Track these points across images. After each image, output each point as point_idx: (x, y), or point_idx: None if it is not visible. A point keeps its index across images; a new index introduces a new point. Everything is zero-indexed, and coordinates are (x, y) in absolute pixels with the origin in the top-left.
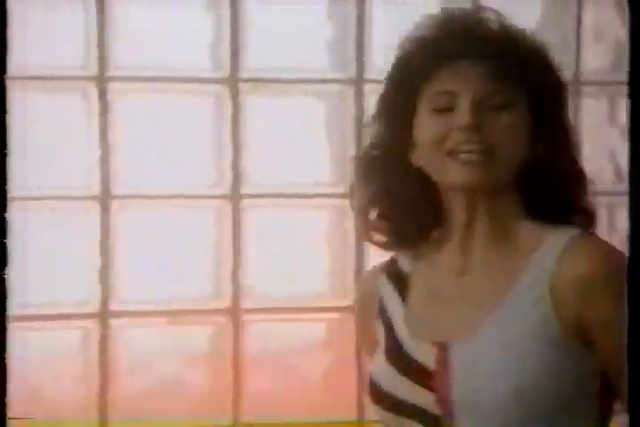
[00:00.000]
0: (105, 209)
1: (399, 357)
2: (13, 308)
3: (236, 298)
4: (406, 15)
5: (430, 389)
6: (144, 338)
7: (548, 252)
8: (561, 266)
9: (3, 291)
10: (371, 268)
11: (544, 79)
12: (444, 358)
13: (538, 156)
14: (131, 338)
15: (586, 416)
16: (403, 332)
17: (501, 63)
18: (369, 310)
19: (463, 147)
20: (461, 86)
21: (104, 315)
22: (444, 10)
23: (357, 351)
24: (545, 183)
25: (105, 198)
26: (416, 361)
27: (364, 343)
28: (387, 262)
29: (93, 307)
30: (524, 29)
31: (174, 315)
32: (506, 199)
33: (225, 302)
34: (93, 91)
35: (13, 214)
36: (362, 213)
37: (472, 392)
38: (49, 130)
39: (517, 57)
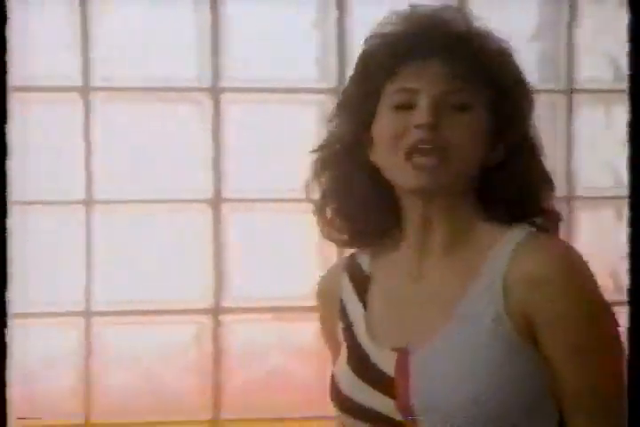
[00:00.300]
0: (217, 211)
1: (360, 362)
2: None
3: None
4: None
5: (390, 395)
6: (251, 333)
7: (502, 251)
8: (512, 264)
9: (3, 290)
10: (333, 265)
11: (506, 81)
12: (403, 365)
13: (498, 158)
14: (240, 333)
15: (546, 417)
16: (363, 336)
17: (464, 63)
18: (331, 310)
19: (420, 146)
20: (422, 84)
21: (216, 311)
22: (411, 7)
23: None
24: (505, 186)
25: (216, 202)
26: (377, 367)
27: (328, 342)
28: (348, 260)
29: (206, 303)
30: (490, 30)
31: (280, 311)
32: (463, 201)
33: None
34: (208, 102)
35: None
36: (318, 210)
37: (432, 399)
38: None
39: (480, 58)
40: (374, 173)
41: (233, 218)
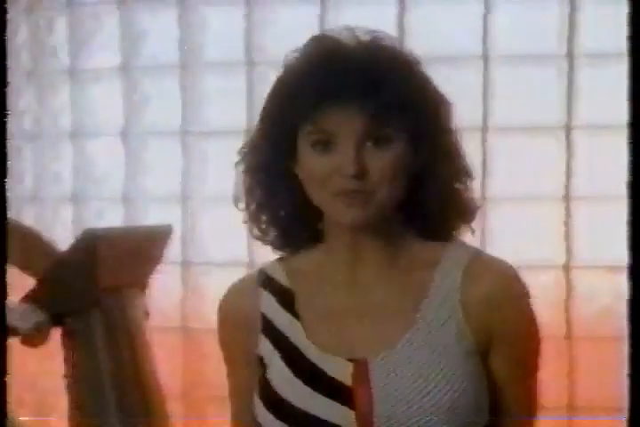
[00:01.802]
0: None
1: (309, 372)
2: None
3: None
4: None
5: (349, 406)
6: None
7: (452, 268)
8: (468, 282)
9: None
10: (236, 281)
11: (426, 106)
12: (362, 375)
13: (421, 178)
14: None
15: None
16: (307, 347)
17: (380, 100)
18: (246, 326)
19: (347, 192)
20: (340, 126)
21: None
22: (319, 38)
23: None
24: (427, 195)
25: None
26: (330, 377)
27: (233, 360)
28: (259, 276)
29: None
30: (398, 49)
31: None
32: (390, 220)
33: None
34: None
35: None
36: (251, 219)
37: (399, 408)
38: None
39: (397, 91)
40: (299, 187)
41: None
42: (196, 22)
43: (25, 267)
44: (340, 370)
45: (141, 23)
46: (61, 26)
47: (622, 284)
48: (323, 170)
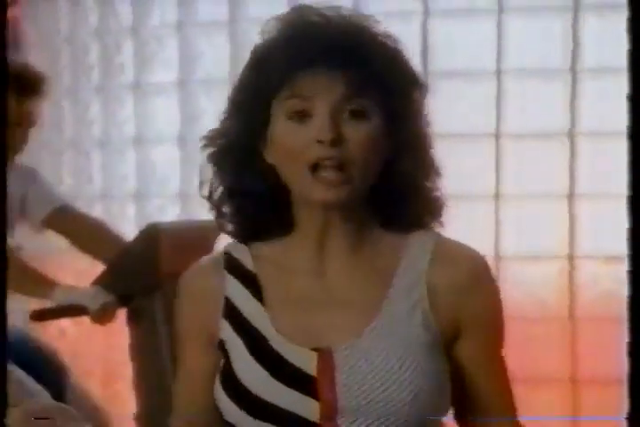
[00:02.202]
0: None
1: (272, 360)
2: None
3: None
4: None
5: (312, 396)
6: None
7: (418, 254)
8: (435, 268)
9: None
10: (201, 261)
11: (397, 81)
12: (326, 364)
13: (388, 168)
14: None
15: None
16: (271, 333)
17: (356, 69)
18: (207, 307)
19: (323, 162)
20: (317, 92)
21: None
22: (298, 9)
23: None
24: (396, 183)
25: None
26: (294, 366)
27: (191, 340)
28: (223, 258)
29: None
30: (378, 27)
31: None
32: (359, 207)
33: None
34: None
35: None
36: (215, 208)
37: (364, 398)
38: None
39: (372, 61)
40: (268, 172)
41: None
42: (244, 42)
43: (96, 255)
44: (305, 360)
45: (197, 44)
46: (128, 46)
47: (620, 271)
48: (298, 140)
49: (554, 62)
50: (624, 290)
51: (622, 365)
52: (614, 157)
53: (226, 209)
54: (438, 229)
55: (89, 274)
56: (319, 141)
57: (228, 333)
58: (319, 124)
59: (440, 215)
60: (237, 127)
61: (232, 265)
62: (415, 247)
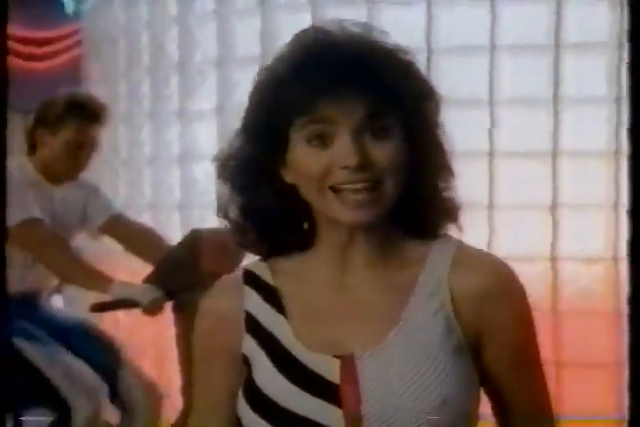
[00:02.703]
0: None
1: (295, 369)
2: None
3: None
4: None
5: (335, 403)
6: None
7: (439, 261)
8: (457, 274)
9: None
10: (220, 280)
11: (416, 96)
12: (349, 371)
13: (411, 172)
14: None
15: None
16: (294, 344)
17: (377, 89)
18: (228, 323)
19: (349, 186)
20: (338, 117)
21: None
22: (311, 30)
23: None
24: (415, 192)
25: None
26: (316, 374)
27: (207, 357)
28: (244, 274)
29: None
30: (391, 42)
31: None
32: (384, 219)
33: None
34: None
35: None
36: (233, 225)
37: (387, 407)
38: None
39: (391, 80)
40: (286, 190)
41: None
42: None
43: (146, 257)
44: (327, 367)
45: (233, 76)
46: (174, 79)
47: (596, 271)
48: (320, 165)
49: (539, 92)
50: (600, 287)
51: (600, 351)
52: (591, 173)
53: (245, 227)
54: (457, 234)
55: (140, 273)
56: (344, 168)
57: (250, 347)
58: (343, 150)
59: (457, 219)
60: (253, 148)
61: (251, 280)
62: (437, 254)
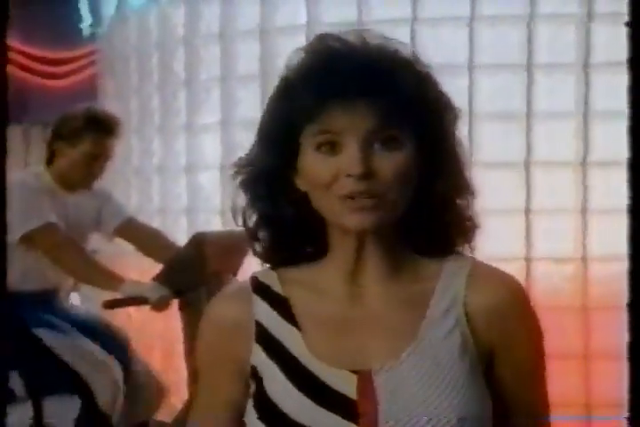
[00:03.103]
0: None
1: (309, 383)
2: None
3: None
4: None
5: (351, 419)
6: None
7: (454, 278)
8: (472, 291)
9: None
10: (226, 289)
11: (431, 108)
12: (367, 387)
13: (422, 191)
14: None
15: None
16: (307, 357)
17: (389, 99)
18: (236, 334)
19: (355, 194)
20: (346, 125)
21: None
22: (325, 38)
23: None
24: (428, 204)
25: None
26: (333, 390)
27: (214, 367)
28: (253, 283)
29: None
30: (406, 53)
31: None
32: (392, 232)
33: None
34: None
35: None
36: (250, 235)
37: (407, 423)
38: None
39: (405, 90)
40: (300, 199)
41: None
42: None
43: (155, 257)
44: (344, 382)
45: (236, 93)
46: (182, 95)
47: (566, 270)
48: (328, 172)
49: (514, 109)
50: (569, 285)
51: (569, 345)
52: (561, 181)
53: (260, 235)
54: (469, 253)
55: (150, 272)
56: (349, 175)
57: (260, 357)
58: (349, 158)
59: (473, 239)
60: (267, 156)
61: (261, 290)
62: (451, 271)
